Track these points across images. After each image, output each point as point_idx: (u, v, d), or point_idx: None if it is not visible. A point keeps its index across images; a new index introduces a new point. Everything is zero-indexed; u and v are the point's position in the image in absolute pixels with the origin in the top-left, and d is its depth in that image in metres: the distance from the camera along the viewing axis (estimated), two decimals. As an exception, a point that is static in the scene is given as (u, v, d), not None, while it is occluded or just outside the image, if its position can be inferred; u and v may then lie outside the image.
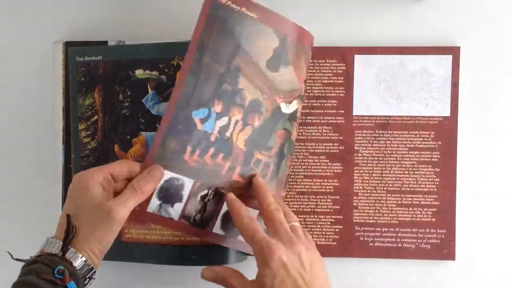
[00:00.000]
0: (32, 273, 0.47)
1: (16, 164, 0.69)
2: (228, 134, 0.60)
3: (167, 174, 0.57)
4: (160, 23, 0.68)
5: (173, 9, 0.68)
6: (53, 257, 0.49)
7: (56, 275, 0.47)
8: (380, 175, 0.66)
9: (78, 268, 0.49)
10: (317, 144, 0.67)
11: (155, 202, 0.58)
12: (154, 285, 0.69)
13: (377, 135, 0.66)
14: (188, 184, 0.59)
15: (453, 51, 0.65)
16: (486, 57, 0.66)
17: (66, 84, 0.67)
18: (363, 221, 0.66)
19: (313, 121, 0.67)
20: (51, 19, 0.69)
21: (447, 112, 0.66)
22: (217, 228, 0.61)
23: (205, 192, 0.59)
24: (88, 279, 0.51)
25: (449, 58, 0.65)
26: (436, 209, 0.66)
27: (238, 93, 0.59)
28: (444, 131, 0.66)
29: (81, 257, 0.50)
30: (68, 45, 0.67)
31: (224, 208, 0.60)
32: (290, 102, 0.61)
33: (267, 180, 0.60)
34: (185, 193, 0.59)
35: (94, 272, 0.51)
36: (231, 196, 0.58)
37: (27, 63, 0.69)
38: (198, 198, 0.59)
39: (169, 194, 0.58)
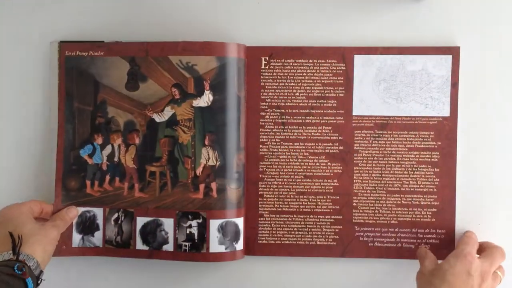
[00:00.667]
0: None
1: (12, 164, 0.69)
2: (116, 159, 0.68)
3: (79, 210, 0.66)
4: (157, 23, 0.68)
5: (171, 9, 0.68)
6: (8, 261, 0.56)
7: (16, 270, 0.54)
8: (380, 175, 0.66)
9: (32, 268, 0.56)
10: (316, 144, 0.67)
11: (77, 237, 0.67)
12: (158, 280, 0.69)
13: (377, 135, 0.66)
14: (99, 212, 0.67)
15: (453, 51, 0.65)
16: (486, 57, 0.66)
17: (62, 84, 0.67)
18: (362, 221, 0.66)
19: (313, 121, 0.67)
20: (48, 20, 0.68)
21: (446, 112, 0.66)
22: (139, 245, 0.66)
23: (115, 215, 0.67)
24: (39, 280, 0.58)
25: (449, 58, 0.65)
26: (436, 209, 0.66)
27: (111, 121, 0.67)
28: (444, 131, 0.66)
29: (33, 259, 0.57)
30: (63, 44, 0.67)
31: (139, 224, 0.66)
32: (162, 110, 0.66)
33: (170, 186, 0.66)
34: (100, 221, 0.67)
35: (42, 273, 0.58)
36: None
37: (23, 63, 0.69)
38: (112, 222, 0.67)
39: (86, 226, 0.67)
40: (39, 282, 0.57)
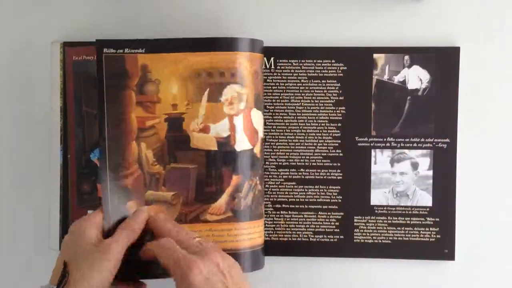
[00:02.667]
0: None
1: (13, 165, 0.69)
2: None
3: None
4: (159, 23, 0.68)
5: (172, 9, 0.68)
6: None
7: None
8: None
9: None
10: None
11: None
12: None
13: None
14: None
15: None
16: (486, 57, 0.66)
17: (64, 84, 0.67)
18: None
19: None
20: (49, 19, 0.68)
21: (446, 112, 0.66)
22: None
23: None
24: None
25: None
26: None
27: None
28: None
29: None
30: (66, 45, 0.67)
31: None
32: None
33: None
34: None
35: None
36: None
37: (25, 63, 0.69)
38: None
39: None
40: None
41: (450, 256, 0.65)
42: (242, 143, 0.61)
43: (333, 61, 0.66)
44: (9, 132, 0.69)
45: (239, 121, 0.60)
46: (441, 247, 0.65)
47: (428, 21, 0.66)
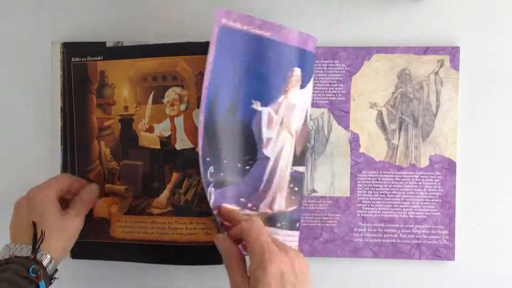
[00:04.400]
0: (8, 271, 0.52)
1: (14, 165, 0.69)
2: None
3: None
4: (159, 24, 0.68)
5: (172, 9, 0.68)
6: (25, 259, 0.54)
7: (31, 273, 0.53)
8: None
9: (48, 269, 0.55)
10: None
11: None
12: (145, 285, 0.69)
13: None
14: None
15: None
16: (486, 57, 0.66)
17: (64, 84, 0.67)
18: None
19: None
20: (49, 20, 0.69)
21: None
22: None
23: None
24: (52, 279, 0.57)
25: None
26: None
27: None
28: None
29: (49, 259, 0.55)
30: (66, 46, 0.67)
31: None
32: None
33: None
34: None
35: (57, 271, 0.57)
36: (226, 207, 0.60)
37: (25, 64, 0.69)
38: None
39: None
40: (52, 281, 0.56)
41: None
42: (182, 142, 0.63)
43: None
44: (9, 132, 0.69)
45: (179, 122, 0.63)
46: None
47: (428, 21, 0.66)
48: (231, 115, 0.60)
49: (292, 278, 0.51)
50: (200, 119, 0.59)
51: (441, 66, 0.66)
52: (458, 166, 0.66)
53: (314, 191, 0.67)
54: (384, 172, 0.66)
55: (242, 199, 0.61)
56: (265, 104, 0.61)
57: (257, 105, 0.61)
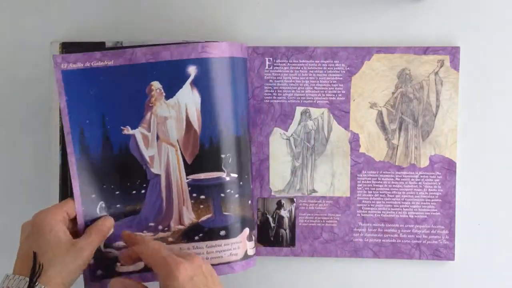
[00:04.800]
0: None
1: (14, 165, 0.69)
2: None
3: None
4: (158, 24, 0.68)
5: (171, 9, 0.68)
6: None
7: None
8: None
9: None
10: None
11: None
12: None
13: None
14: None
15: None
16: (486, 57, 0.66)
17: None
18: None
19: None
20: (49, 20, 0.68)
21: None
22: None
23: None
24: None
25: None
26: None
27: None
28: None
29: None
30: (65, 46, 0.67)
31: None
32: None
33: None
34: None
35: None
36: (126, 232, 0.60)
37: (24, 64, 0.68)
38: None
39: None
40: None
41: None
42: None
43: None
44: (8, 132, 0.69)
45: None
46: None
47: (428, 21, 0.66)
48: (107, 149, 0.61)
49: (203, 280, 0.52)
50: (70, 161, 0.60)
51: (441, 66, 0.66)
52: (458, 166, 0.66)
53: (314, 191, 0.67)
54: (384, 172, 0.66)
55: (151, 224, 0.62)
56: (134, 126, 0.62)
57: (127, 130, 0.61)
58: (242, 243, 0.62)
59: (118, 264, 0.60)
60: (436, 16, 0.66)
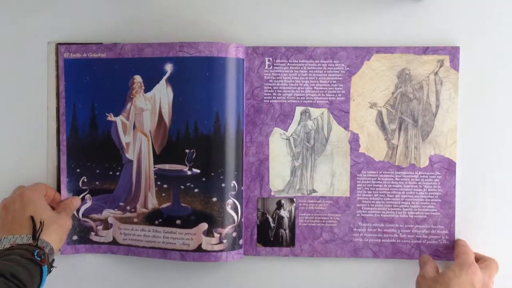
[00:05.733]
0: (14, 255, 0.54)
1: (11, 165, 0.69)
2: None
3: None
4: (156, 25, 0.67)
5: (171, 10, 0.68)
6: (28, 245, 0.57)
7: (36, 256, 0.56)
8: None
9: (48, 256, 0.58)
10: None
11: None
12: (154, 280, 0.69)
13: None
14: None
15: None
16: (486, 57, 0.66)
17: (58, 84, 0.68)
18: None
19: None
20: (46, 20, 0.68)
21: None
22: None
23: None
24: (51, 267, 0.59)
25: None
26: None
27: None
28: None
29: (49, 246, 0.59)
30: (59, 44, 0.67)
31: None
32: None
33: None
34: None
35: (54, 261, 0.60)
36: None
37: (21, 64, 0.68)
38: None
39: None
40: (51, 269, 0.59)
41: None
42: None
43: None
44: (7, 132, 0.69)
45: None
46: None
47: (428, 21, 0.66)
48: (93, 132, 0.68)
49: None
50: (61, 138, 0.67)
51: (441, 66, 0.66)
52: (458, 166, 0.66)
53: (314, 191, 0.67)
54: (384, 172, 0.66)
55: (121, 204, 0.68)
56: (117, 113, 0.68)
57: (110, 116, 0.68)
58: (196, 236, 0.65)
59: (92, 233, 0.68)
60: (436, 16, 0.66)
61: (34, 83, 0.68)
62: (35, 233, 0.58)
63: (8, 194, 0.65)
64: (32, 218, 0.59)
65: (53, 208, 0.65)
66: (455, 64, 0.65)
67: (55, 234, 0.60)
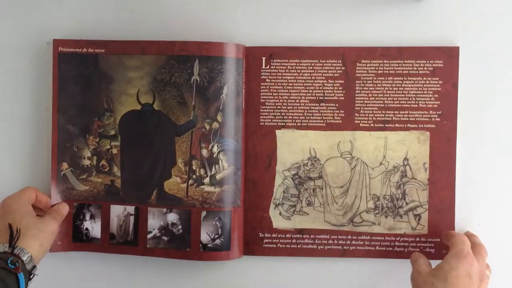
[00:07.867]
0: None
1: (10, 164, 0.69)
2: None
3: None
4: (156, 24, 0.68)
5: (170, 9, 0.68)
6: (3, 254, 0.56)
7: (9, 264, 0.55)
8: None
9: (26, 263, 0.57)
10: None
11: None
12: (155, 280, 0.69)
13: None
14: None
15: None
16: (485, 57, 0.66)
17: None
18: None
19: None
20: (45, 20, 0.68)
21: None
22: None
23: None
24: (31, 275, 0.58)
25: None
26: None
27: None
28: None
29: (27, 253, 0.58)
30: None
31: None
32: None
33: None
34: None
35: (35, 268, 0.59)
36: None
37: (21, 63, 0.68)
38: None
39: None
40: (31, 277, 0.58)
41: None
42: None
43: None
44: (7, 132, 0.69)
45: None
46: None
47: (428, 21, 0.66)
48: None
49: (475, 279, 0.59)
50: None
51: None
52: (458, 167, 0.66)
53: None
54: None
55: None
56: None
57: None
58: None
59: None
60: (436, 16, 0.66)
61: (34, 83, 0.68)
62: (11, 240, 0.58)
63: (8, 194, 0.65)
64: (9, 226, 0.59)
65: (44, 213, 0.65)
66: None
67: (34, 240, 0.59)
